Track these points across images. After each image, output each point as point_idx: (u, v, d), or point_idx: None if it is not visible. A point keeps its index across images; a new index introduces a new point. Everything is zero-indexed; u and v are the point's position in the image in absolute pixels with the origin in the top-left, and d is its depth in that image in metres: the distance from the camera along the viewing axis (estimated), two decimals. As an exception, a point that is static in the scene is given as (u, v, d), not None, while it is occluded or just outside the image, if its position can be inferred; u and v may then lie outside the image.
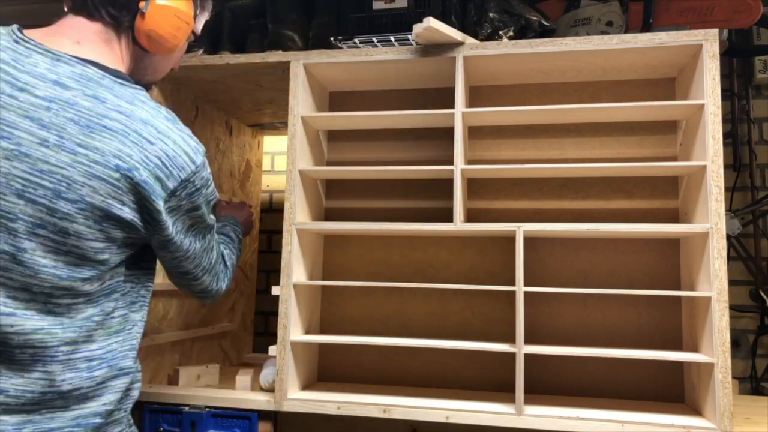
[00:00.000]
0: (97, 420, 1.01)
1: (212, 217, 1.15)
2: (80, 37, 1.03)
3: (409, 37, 1.54)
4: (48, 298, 0.95)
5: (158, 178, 0.97)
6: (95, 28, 1.04)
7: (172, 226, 1.03)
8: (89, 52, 1.02)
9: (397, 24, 1.58)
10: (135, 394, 1.12)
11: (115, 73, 1.02)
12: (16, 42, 0.98)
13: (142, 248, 1.08)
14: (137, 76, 1.13)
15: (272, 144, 2.42)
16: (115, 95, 0.98)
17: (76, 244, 0.94)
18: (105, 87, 0.98)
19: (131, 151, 0.95)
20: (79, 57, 0.99)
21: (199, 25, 1.22)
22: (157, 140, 0.98)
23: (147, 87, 1.17)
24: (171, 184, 0.99)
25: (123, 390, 1.06)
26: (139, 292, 1.10)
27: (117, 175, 0.94)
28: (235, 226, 1.49)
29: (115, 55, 1.06)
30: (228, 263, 1.30)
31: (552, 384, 1.61)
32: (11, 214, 0.92)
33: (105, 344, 1.02)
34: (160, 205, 0.98)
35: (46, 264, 0.93)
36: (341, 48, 1.61)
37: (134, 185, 0.95)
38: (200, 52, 1.21)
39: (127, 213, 0.96)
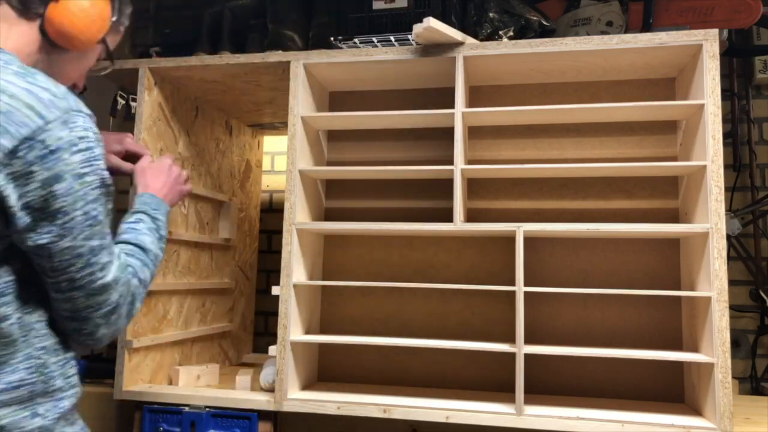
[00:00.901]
0: None
1: (97, 212, 0.92)
2: None
3: (409, 37, 1.54)
4: None
5: None
6: None
7: (16, 199, 0.84)
8: None
9: (397, 24, 1.58)
10: (63, 405, 0.94)
11: None
12: None
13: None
14: (42, 62, 1.02)
15: (272, 144, 2.42)
16: None
17: None
18: None
19: None
20: None
21: (113, 39, 1.11)
22: None
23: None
24: (7, 143, 0.82)
25: (17, 405, 0.89)
26: (29, 290, 0.92)
27: None
28: (153, 215, 1.20)
29: (9, 32, 0.96)
30: (135, 296, 1.02)
31: (552, 384, 1.61)
32: None
33: None
34: None
35: None
36: (341, 48, 1.61)
37: None
38: (110, 68, 1.14)
39: None
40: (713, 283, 1.34)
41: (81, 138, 0.88)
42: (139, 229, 1.15)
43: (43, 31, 0.99)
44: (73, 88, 1.09)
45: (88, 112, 0.92)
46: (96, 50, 1.08)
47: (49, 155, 0.85)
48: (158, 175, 1.32)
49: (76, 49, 1.03)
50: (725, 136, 2.06)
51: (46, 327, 0.94)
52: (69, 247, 0.89)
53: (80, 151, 0.88)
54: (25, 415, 0.89)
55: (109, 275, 0.94)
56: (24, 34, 0.98)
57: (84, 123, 0.89)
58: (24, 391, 0.90)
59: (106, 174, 0.93)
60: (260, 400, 1.50)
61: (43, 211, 0.86)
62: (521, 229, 1.44)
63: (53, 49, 1.01)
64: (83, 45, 1.02)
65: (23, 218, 0.86)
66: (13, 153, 0.83)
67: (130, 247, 1.10)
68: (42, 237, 0.87)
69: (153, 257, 1.12)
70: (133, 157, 1.40)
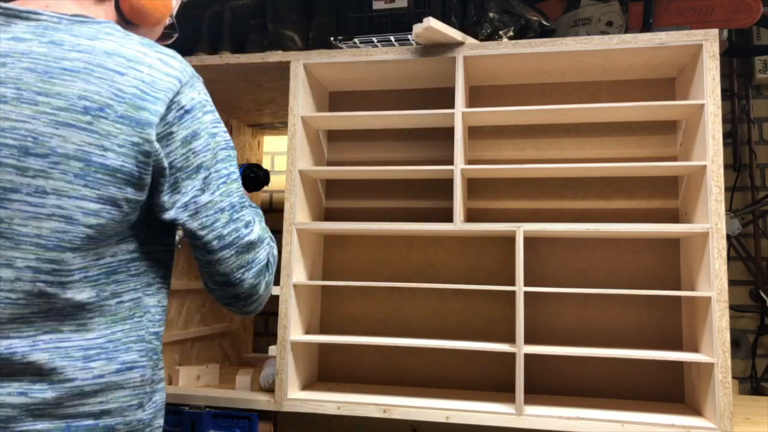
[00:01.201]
0: (90, 422, 0.85)
1: (228, 171, 0.96)
2: (50, 0, 0.93)
3: (409, 37, 1.54)
4: (35, 274, 0.82)
5: (140, 108, 0.85)
6: None
7: (165, 159, 0.88)
8: (58, 9, 0.93)
9: (397, 24, 1.58)
10: (156, 399, 0.95)
11: (73, 16, 0.91)
12: None
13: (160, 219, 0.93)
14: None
15: (272, 144, 2.42)
16: (73, 35, 0.88)
17: (58, 204, 0.82)
18: (62, 30, 0.88)
19: (99, 88, 0.84)
20: (26, 8, 0.90)
21: (176, 6, 1.13)
22: (128, 69, 0.87)
23: None
24: (160, 108, 0.87)
25: (130, 390, 0.89)
26: (158, 272, 0.96)
27: (87, 118, 0.83)
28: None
29: (88, 13, 0.97)
30: (272, 259, 1.05)
31: (552, 384, 1.61)
32: None
33: (107, 333, 0.88)
34: (151, 134, 0.86)
35: (27, 233, 0.82)
36: (341, 48, 1.61)
37: (111, 124, 0.84)
38: (175, 36, 1.16)
39: (112, 159, 0.84)
40: (713, 283, 1.34)
41: (206, 100, 0.95)
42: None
43: (118, 8, 1.00)
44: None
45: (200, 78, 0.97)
46: (164, 22, 1.09)
47: (185, 115, 0.90)
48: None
49: (150, 25, 1.04)
50: (725, 136, 2.06)
51: (161, 314, 0.96)
52: (210, 201, 0.93)
53: (209, 111, 0.94)
54: (133, 404, 0.90)
55: (254, 233, 0.98)
56: (101, 14, 0.98)
57: (203, 88, 0.95)
58: (137, 374, 0.91)
59: (229, 136, 0.97)
60: (260, 400, 1.50)
61: (184, 169, 0.90)
62: (521, 229, 1.44)
63: (127, 26, 1.01)
64: (157, 21, 1.04)
65: (169, 179, 0.90)
66: (163, 118, 0.87)
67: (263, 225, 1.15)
68: (186, 195, 0.91)
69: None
70: None
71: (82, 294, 0.86)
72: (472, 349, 1.46)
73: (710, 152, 1.38)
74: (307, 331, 1.65)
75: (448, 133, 1.63)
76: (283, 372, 1.49)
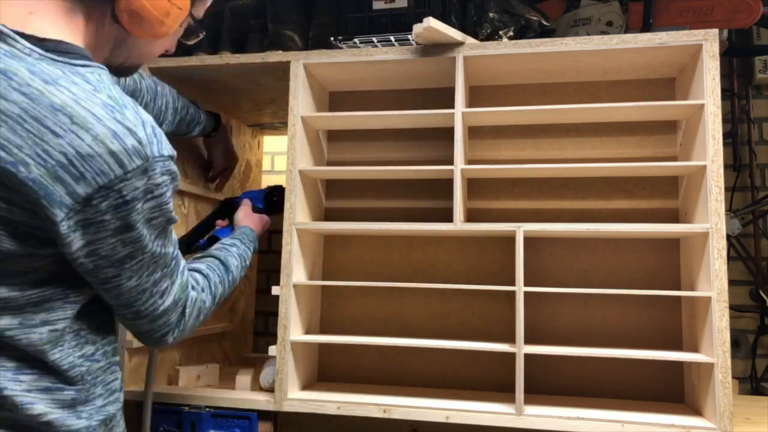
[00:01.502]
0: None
1: (161, 246, 0.90)
2: (34, 6, 0.84)
3: (409, 37, 1.54)
4: None
5: (59, 179, 0.76)
6: None
7: (81, 246, 0.81)
8: (39, 25, 0.84)
9: (397, 24, 1.58)
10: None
11: (53, 48, 0.82)
12: None
13: None
14: (118, 59, 0.96)
15: (272, 144, 2.42)
16: (31, 72, 0.78)
17: None
18: (25, 62, 0.79)
19: (22, 142, 0.75)
20: (16, 31, 0.81)
21: (200, 10, 1.02)
22: (67, 132, 0.76)
23: (130, 71, 1.01)
24: (81, 190, 0.77)
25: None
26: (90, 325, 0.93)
27: None
28: (246, 245, 1.31)
29: (77, 29, 0.87)
30: (189, 311, 1.01)
31: (552, 384, 1.61)
32: None
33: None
34: (58, 214, 0.77)
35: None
36: (341, 48, 1.61)
37: (18, 183, 0.75)
38: (202, 35, 1.06)
39: (18, 215, 0.78)
40: (713, 283, 1.34)
41: (157, 185, 0.84)
42: (231, 251, 1.24)
43: (114, 17, 0.90)
44: (166, 52, 1.02)
45: (171, 152, 0.87)
46: (175, 31, 0.98)
47: (123, 205, 0.81)
48: (257, 223, 1.53)
49: (155, 36, 0.93)
50: (725, 136, 2.06)
51: (89, 334, 0.92)
52: (135, 285, 0.89)
53: (153, 197, 0.84)
54: (70, 414, 0.88)
55: (168, 299, 0.95)
56: (97, 23, 0.90)
57: (162, 168, 0.84)
58: (67, 396, 0.88)
59: (172, 212, 0.90)
60: (260, 400, 1.50)
61: (110, 258, 0.84)
62: (521, 229, 1.44)
63: (128, 35, 0.93)
64: (164, 34, 0.93)
65: (86, 264, 0.83)
66: (87, 201, 0.78)
67: (216, 262, 1.17)
68: (108, 282, 0.87)
69: (231, 280, 1.19)
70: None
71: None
72: (472, 349, 1.46)
73: (710, 152, 1.38)
74: (307, 331, 1.65)
75: (448, 133, 1.63)
76: (283, 372, 1.49)
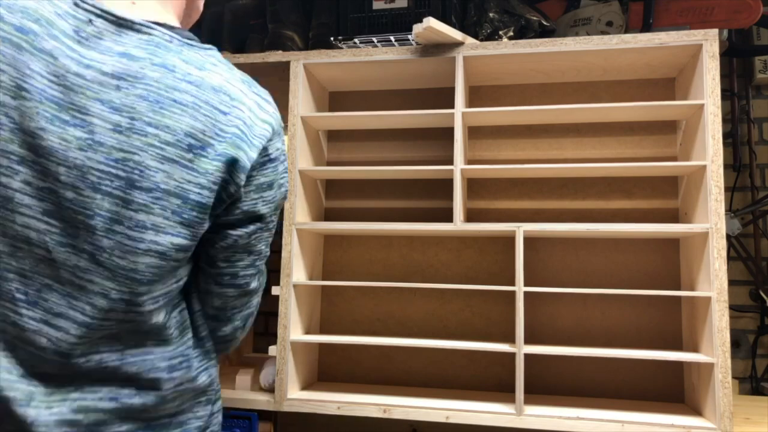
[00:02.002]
0: (165, 420, 0.91)
1: (277, 219, 0.99)
2: None
3: (409, 37, 1.54)
4: (128, 306, 0.84)
5: (239, 148, 0.85)
6: None
7: (247, 204, 0.90)
8: (148, 11, 0.89)
9: (397, 24, 1.58)
10: (220, 395, 1.01)
11: (181, 34, 0.89)
12: (76, 5, 0.83)
13: None
14: (186, 20, 1.02)
15: (272, 144, 2.42)
16: (184, 60, 0.86)
17: (155, 240, 0.82)
18: (173, 52, 0.86)
19: (204, 126, 0.83)
20: (139, 21, 0.86)
21: None
22: (231, 108, 0.86)
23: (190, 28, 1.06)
24: (254, 154, 0.87)
25: (201, 392, 0.95)
26: (185, 286, 0.97)
27: (190, 156, 0.82)
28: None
29: (171, 7, 0.94)
30: (254, 312, 1.08)
31: (552, 384, 1.61)
32: (88, 210, 0.80)
33: (181, 345, 0.92)
34: (242, 178, 0.86)
35: (124, 266, 0.82)
36: (341, 48, 1.61)
37: (210, 163, 0.83)
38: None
39: (206, 196, 0.84)
40: (713, 283, 1.34)
41: (285, 150, 0.95)
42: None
43: None
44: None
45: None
46: None
47: (269, 163, 0.90)
48: None
49: None
50: (725, 136, 2.06)
51: (201, 318, 0.98)
52: (247, 244, 0.95)
53: (284, 160, 0.95)
54: (201, 401, 0.95)
55: (256, 282, 1.01)
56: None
57: (284, 135, 0.96)
58: (205, 376, 0.95)
59: (287, 184, 0.99)
60: (260, 400, 1.50)
61: (248, 213, 0.91)
62: (521, 229, 1.44)
63: None
64: None
65: (237, 215, 0.91)
66: (255, 164, 0.88)
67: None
68: (239, 234, 0.92)
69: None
70: None
71: (159, 316, 0.88)
72: (472, 349, 1.46)
73: (710, 152, 1.38)
74: (307, 331, 1.65)
75: (448, 133, 1.63)
76: (283, 372, 1.49)
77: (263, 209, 0.93)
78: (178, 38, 0.88)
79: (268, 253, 1.01)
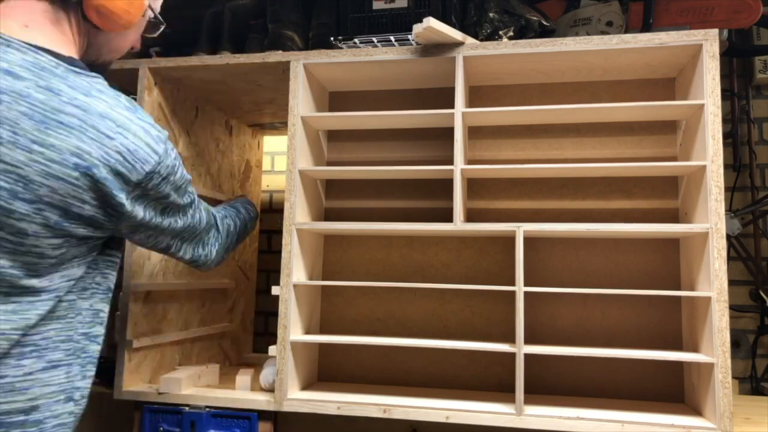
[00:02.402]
0: (20, 417, 0.92)
1: (188, 196, 1.15)
2: (27, 19, 0.96)
3: (409, 37, 1.54)
4: (6, 298, 0.91)
5: (119, 174, 0.94)
6: (42, 7, 0.97)
7: (142, 212, 1.03)
8: (39, 37, 0.95)
9: (397, 24, 1.58)
10: (70, 408, 1.01)
11: (69, 61, 0.96)
12: None
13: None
14: (92, 56, 1.08)
15: (272, 144, 2.42)
16: (70, 86, 0.92)
17: (35, 244, 0.91)
18: (59, 77, 0.92)
19: (90, 148, 0.91)
20: (29, 43, 0.93)
21: (157, 3, 1.18)
22: (116, 134, 0.94)
23: (104, 68, 1.11)
24: (134, 178, 0.97)
25: (56, 387, 0.98)
26: (94, 279, 1.04)
27: (76, 174, 0.90)
28: (246, 204, 1.56)
29: (66, 37, 1.00)
30: (223, 228, 1.34)
31: (552, 384, 1.61)
32: None
33: (43, 330, 0.95)
34: (123, 198, 0.96)
35: (3, 264, 0.89)
36: (341, 48, 1.61)
37: (95, 183, 0.92)
38: (162, 29, 1.20)
39: (88, 210, 0.94)
40: (713, 283, 1.34)
41: (174, 160, 1.05)
42: (235, 204, 1.54)
43: (85, 17, 1.02)
44: (131, 49, 1.16)
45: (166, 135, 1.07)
46: (137, 23, 1.10)
47: (162, 182, 1.03)
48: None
49: (120, 29, 1.06)
50: (725, 136, 2.06)
51: (92, 317, 1.04)
52: (182, 224, 1.17)
53: (176, 170, 1.06)
54: (60, 399, 0.98)
55: (203, 217, 1.25)
56: (77, 26, 1.02)
57: (172, 148, 1.05)
58: (61, 372, 0.99)
59: (187, 174, 1.12)
60: (260, 400, 1.50)
61: (160, 213, 1.09)
62: (521, 229, 1.44)
63: (99, 32, 1.05)
64: (129, 23, 1.06)
65: (149, 222, 1.06)
66: (138, 184, 0.98)
67: (226, 207, 1.50)
68: (164, 229, 1.12)
69: (242, 219, 1.49)
70: None
71: (42, 307, 0.95)
72: (472, 349, 1.46)
73: (710, 152, 1.38)
74: (307, 331, 1.65)
75: (448, 133, 1.63)
76: (283, 372, 1.49)
77: (170, 207, 1.10)
78: (65, 65, 0.94)
79: (196, 207, 1.21)
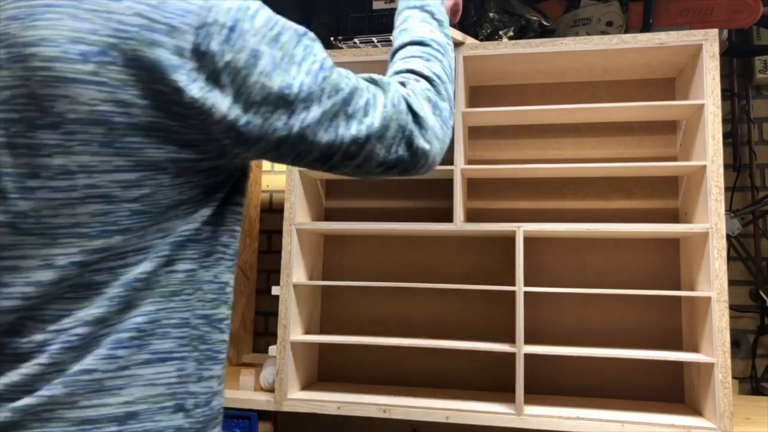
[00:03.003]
0: (113, 428, 0.64)
1: (318, 60, 0.71)
2: None
3: (409, 37, 1.54)
4: (81, 269, 0.64)
5: (154, 43, 0.62)
6: None
7: (231, 105, 0.65)
8: None
9: (397, 24, 1.57)
10: (208, 403, 0.72)
11: None
12: None
13: (222, 172, 0.72)
14: None
15: (272, 144, 2.42)
16: None
17: (89, 183, 0.63)
18: None
19: (92, 25, 0.62)
20: None
21: None
22: None
23: None
24: (182, 42, 0.63)
25: (164, 388, 0.67)
26: (219, 238, 0.73)
27: (89, 67, 0.61)
28: (423, 5, 0.93)
29: None
30: (418, 105, 0.79)
31: (552, 384, 1.61)
32: None
33: (149, 310, 0.67)
34: (180, 79, 0.62)
35: (61, 224, 0.63)
36: (341, 48, 1.61)
37: (122, 70, 0.62)
38: None
39: (138, 114, 0.63)
40: (713, 283, 1.34)
41: (254, 2, 0.69)
42: (408, 28, 0.91)
43: None
44: None
45: None
46: None
47: (231, 34, 0.65)
48: None
49: None
50: (725, 136, 2.06)
51: (216, 292, 0.74)
52: (323, 113, 0.70)
53: (256, 12, 0.68)
54: (167, 406, 0.68)
55: (381, 105, 0.75)
56: None
57: None
58: (172, 368, 0.69)
59: (294, 24, 0.73)
60: (260, 400, 1.50)
61: (267, 99, 0.67)
62: (521, 229, 1.44)
63: None
64: None
65: (253, 122, 0.67)
66: (196, 51, 0.63)
67: (404, 50, 0.89)
68: (291, 134, 0.69)
69: (438, 47, 0.89)
70: None
71: (135, 270, 0.66)
72: (472, 349, 1.46)
73: (710, 152, 1.38)
74: (307, 331, 1.65)
75: (448, 133, 1.62)
76: (283, 372, 1.49)
77: (275, 83, 0.67)
78: None
79: (352, 83, 0.74)
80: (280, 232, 1.57)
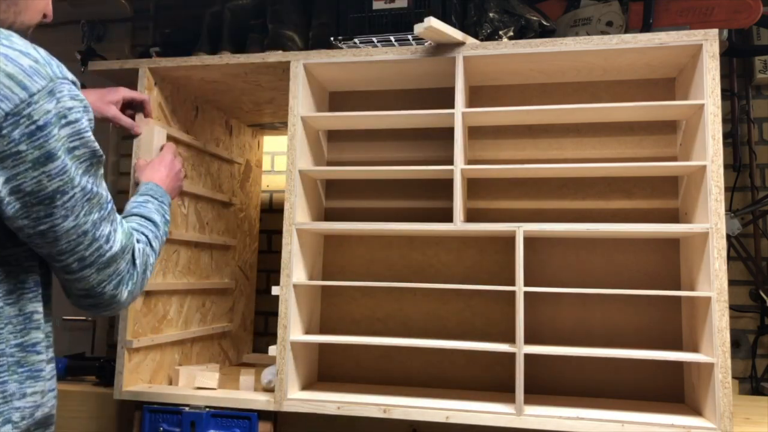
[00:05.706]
0: None
1: (93, 184, 0.85)
2: None
3: (409, 37, 1.54)
4: None
5: None
6: None
7: (2, 183, 0.75)
8: None
9: (397, 24, 1.58)
10: (34, 414, 0.85)
11: None
12: None
13: None
14: (7, 16, 0.87)
15: (272, 144, 2.42)
16: None
17: None
18: None
19: None
20: None
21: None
22: None
23: (24, 32, 0.93)
24: None
25: None
26: (17, 277, 0.84)
27: None
28: (160, 200, 1.18)
29: None
30: (139, 261, 0.97)
31: (552, 384, 1.61)
32: None
33: None
34: None
35: None
36: (341, 48, 1.61)
37: None
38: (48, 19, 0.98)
39: None
40: (713, 283, 1.34)
41: (69, 109, 0.79)
42: (149, 207, 1.14)
43: None
44: (43, 18, 0.96)
45: (73, 77, 0.82)
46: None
47: (38, 132, 0.74)
48: (159, 168, 1.36)
49: None
50: (725, 136, 2.06)
51: (24, 323, 0.85)
52: (73, 226, 0.83)
53: (69, 123, 0.79)
54: None
55: (116, 245, 0.90)
56: None
57: (70, 91, 0.80)
58: None
59: (96, 145, 0.85)
60: (260, 400, 1.50)
61: (36, 194, 0.77)
62: (521, 229, 1.44)
63: None
64: None
65: (13, 204, 0.77)
66: None
67: (141, 219, 1.09)
68: (42, 222, 0.80)
69: (162, 233, 1.12)
70: (131, 106, 1.52)
71: None
72: (472, 349, 1.46)
73: (710, 152, 1.38)
74: (307, 331, 1.65)
75: (448, 133, 1.63)
76: (283, 372, 1.49)
77: (54, 184, 0.78)
78: None
79: (106, 215, 0.89)
80: (280, 232, 1.57)
